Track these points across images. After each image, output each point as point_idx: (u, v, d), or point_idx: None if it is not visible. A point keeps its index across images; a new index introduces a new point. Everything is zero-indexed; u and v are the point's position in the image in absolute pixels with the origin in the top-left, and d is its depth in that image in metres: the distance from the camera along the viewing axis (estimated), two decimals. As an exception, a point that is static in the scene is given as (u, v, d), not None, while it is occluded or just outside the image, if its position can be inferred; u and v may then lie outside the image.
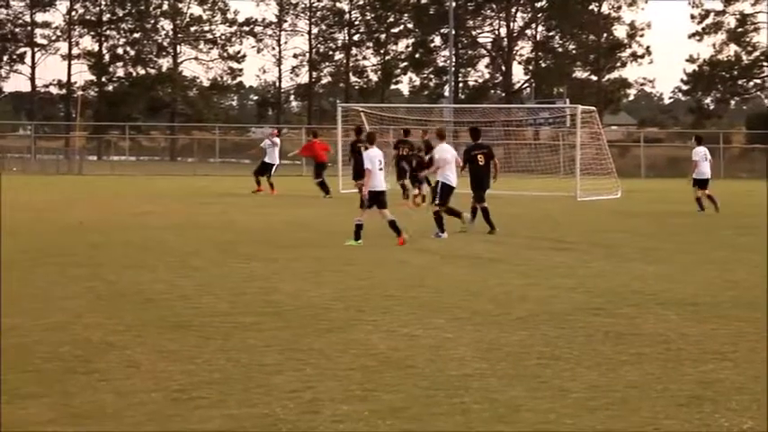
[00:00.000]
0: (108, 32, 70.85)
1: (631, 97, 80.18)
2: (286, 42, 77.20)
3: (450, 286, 9.67)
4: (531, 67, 69.38)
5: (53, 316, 7.82)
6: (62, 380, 5.82)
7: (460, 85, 69.10)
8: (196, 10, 71.40)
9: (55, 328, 7.32)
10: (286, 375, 5.96)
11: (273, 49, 71.32)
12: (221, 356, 6.45)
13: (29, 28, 69.82)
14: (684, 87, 68.03)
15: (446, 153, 15.11)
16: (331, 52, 71.98)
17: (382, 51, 71.24)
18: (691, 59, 65.37)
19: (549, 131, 49.47)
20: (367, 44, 71.49)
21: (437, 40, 69.79)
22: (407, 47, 71.04)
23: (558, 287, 9.68)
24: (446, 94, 63.13)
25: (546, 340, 7.09)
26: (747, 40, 64.34)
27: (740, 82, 65.41)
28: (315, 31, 71.05)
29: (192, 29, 71.47)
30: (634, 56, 66.66)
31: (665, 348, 6.88)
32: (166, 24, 71.46)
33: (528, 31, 69.98)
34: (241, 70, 72.52)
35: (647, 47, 66.43)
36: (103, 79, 70.83)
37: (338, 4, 70.59)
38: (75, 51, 70.18)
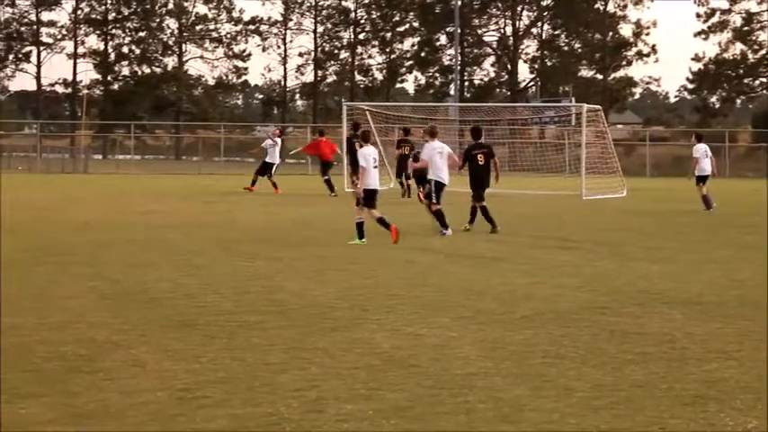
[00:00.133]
0: (113, 31, 71.01)
1: (637, 96, 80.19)
2: (291, 41, 77.49)
3: (455, 285, 9.66)
4: (536, 66, 69.35)
5: (55, 315, 7.82)
6: (64, 379, 5.81)
7: (466, 83, 69.09)
8: (201, 9, 71.60)
9: (57, 328, 7.32)
10: (290, 374, 5.96)
11: (279, 47, 71.48)
12: (226, 355, 6.45)
13: (34, 27, 69.99)
14: (690, 86, 68.04)
15: (434, 151, 15.11)
16: (336, 51, 72.05)
17: (388, 50, 71.27)
18: (696, 58, 65.35)
19: (554, 130, 49.43)
20: (372, 43, 71.54)
21: (443, 39, 69.86)
22: (413, 45, 71.13)
23: (563, 286, 9.66)
24: (451, 92, 63.18)
25: (551, 339, 7.08)
26: (753, 38, 64.26)
27: (746, 81, 65.33)
28: (320, 29, 71.13)
29: (198, 27, 71.59)
30: (640, 54, 66.63)
31: (670, 347, 6.86)
32: (172, 23, 71.64)
33: (534, 30, 69.99)
34: (246, 69, 72.74)
35: (653, 45, 66.46)
36: (109, 78, 70.99)
37: (344, 3, 70.70)
38: (80, 50, 70.45)
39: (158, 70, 71.24)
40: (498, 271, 10.88)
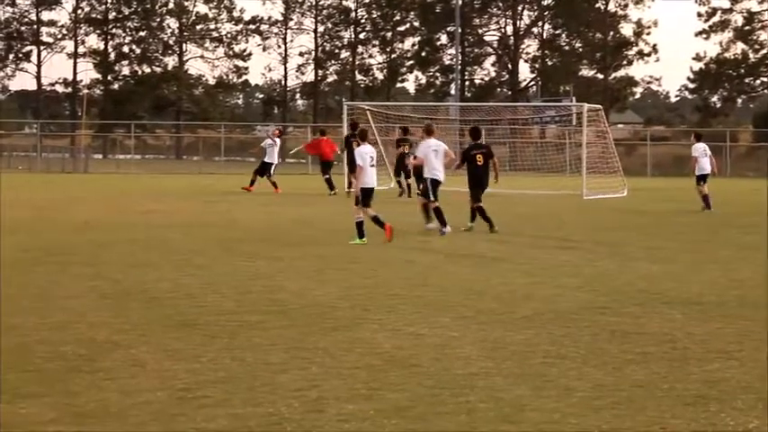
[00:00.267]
0: (114, 31, 71.02)
1: (638, 95, 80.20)
2: (292, 40, 77.58)
3: (455, 285, 9.66)
4: (537, 66, 69.35)
5: (56, 315, 7.81)
6: (64, 379, 5.81)
7: (466, 83, 69.10)
8: (202, 8, 71.62)
9: (58, 328, 7.31)
10: (291, 374, 5.95)
11: (279, 47, 71.47)
12: (226, 355, 6.45)
13: (35, 26, 69.99)
14: (691, 85, 68.03)
15: (429, 149, 15.14)
16: (337, 50, 72.05)
17: (388, 49, 71.27)
18: (697, 57, 65.36)
19: (555, 130, 49.43)
20: (373, 42, 71.54)
21: (443, 39, 69.85)
22: (413, 45, 71.12)
23: (564, 286, 9.66)
24: (452, 92, 63.15)
25: (551, 339, 7.08)
26: (754, 38, 64.27)
27: (747, 80, 65.33)
28: (321, 29, 71.14)
29: (198, 27, 71.60)
30: (640, 54, 66.63)
31: (671, 347, 6.86)
32: (172, 23, 71.66)
33: (534, 29, 69.98)
34: (247, 68, 72.86)
35: (654, 45, 66.47)
36: (109, 78, 71.01)
37: (344, 3, 70.72)
38: (80, 50, 70.46)
39: (159, 70, 71.25)
40: (499, 271, 10.87)
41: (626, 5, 66.73)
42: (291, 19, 71.25)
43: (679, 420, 5.11)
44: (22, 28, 70.07)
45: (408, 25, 71.28)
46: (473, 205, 15.61)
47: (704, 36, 64.44)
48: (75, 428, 4.89)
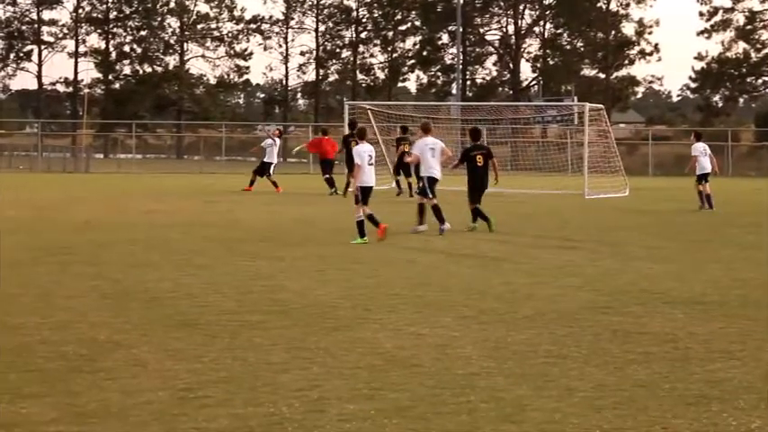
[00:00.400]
0: (115, 30, 71.07)
1: (639, 95, 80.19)
2: (293, 40, 77.36)
3: (457, 285, 9.65)
4: (538, 65, 69.35)
5: (57, 315, 7.80)
6: (66, 379, 5.80)
7: (468, 82, 69.09)
8: (203, 7, 71.82)
9: (59, 327, 7.31)
10: (292, 374, 5.95)
11: (280, 46, 71.48)
12: (228, 355, 6.44)
13: (36, 26, 70.03)
14: (693, 85, 68.00)
15: (426, 147, 15.15)
16: (338, 50, 72.07)
17: (389, 49, 71.27)
18: (699, 57, 65.34)
19: (556, 129, 49.41)
20: (374, 42, 71.55)
21: (444, 38, 69.85)
22: (415, 44, 71.14)
23: (565, 286, 9.65)
24: (453, 91, 63.13)
25: (553, 339, 7.07)
26: (756, 37, 64.24)
27: (749, 79, 65.30)
28: (322, 28, 71.16)
29: (199, 26, 71.64)
30: (642, 53, 66.61)
31: (673, 347, 6.85)
32: (173, 22, 71.70)
33: (536, 29, 69.99)
34: (248, 68, 73.01)
35: (656, 44, 66.49)
36: (110, 77, 71.05)
37: (345, 2, 70.75)
38: (81, 49, 70.51)
39: (160, 69, 71.29)
40: (500, 270, 10.86)
41: (628, 5, 66.74)
42: (292, 18, 71.30)
43: (681, 420, 5.10)
44: (23, 27, 70.12)
45: (409, 24, 71.32)
46: (470, 207, 15.62)
47: (706, 35, 64.44)
48: (76, 428, 4.89)
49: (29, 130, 59.32)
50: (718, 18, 63.94)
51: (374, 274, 10.33)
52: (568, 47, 69.08)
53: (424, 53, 70.06)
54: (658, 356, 6.55)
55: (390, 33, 71.03)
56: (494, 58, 70.83)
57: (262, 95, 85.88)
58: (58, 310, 8.00)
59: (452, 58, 66.80)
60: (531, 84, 70.26)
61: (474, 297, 8.89)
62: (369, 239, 13.28)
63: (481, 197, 15.69)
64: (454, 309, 8.26)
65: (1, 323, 7.44)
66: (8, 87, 75.73)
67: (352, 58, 71.44)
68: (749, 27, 63.82)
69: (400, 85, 75.55)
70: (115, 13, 70.70)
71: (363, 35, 71.49)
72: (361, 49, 71.52)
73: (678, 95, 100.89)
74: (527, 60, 70.02)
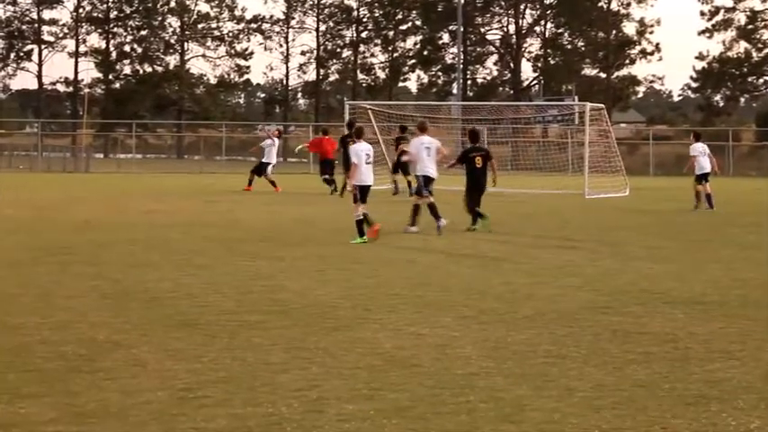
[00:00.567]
0: (115, 30, 71.09)
1: (640, 95, 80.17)
2: (294, 39, 77.31)
3: (457, 285, 9.65)
4: (539, 65, 69.33)
5: (56, 315, 7.80)
6: (65, 379, 5.80)
7: (469, 82, 69.10)
8: (203, 7, 71.84)
9: (58, 327, 7.31)
10: (291, 374, 5.94)
11: (281, 46, 71.48)
12: (227, 355, 6.44)
13: (36, 25, 70.03)
14: (694, 84, 67.99)
15: (421, 146, 15.17)
16: (339, 49, 72.08)
17: (390, 48, 71.27)
18: (700, 56, 65.32)
19: (557, 129, 49.39)
20: (375, 41, 71.56)
21: (445, 37, 69.84)
22: (415, 44, 71.14)
23: (565, 286, 9.65)
24: (454, 91, 63.11)
25: (552, 339, 7.06)
26: (757, 36, 64.21)
27: (750, 79, 65.27)
28: (323, 28, 71.17)
29: (200, 26, 71.65)
30: (643, 53, 66.59)
31: (673, 347, 6.84)
32: (174, 21, 71.71)
33: (537, 28, 69.98)
34: (248, 68, 72.95)
35: (657, 44, 66.44)
36: (110, 77, 71.07)
37: (346, 1, 70.75)
38: (82, 49, 70.53)
39: (160, 69, 71.30)
40: (500, 270, 10.86)
41: (629, 4, 66.72)
42: (293, 18, 71.31)
43: (680, 420, 5.09)
44: (24, 27, 70.14)
45: (410, 24, 71.32)
46: (467, 209, 15.63)
47: (707, 35, 64.41)
48: (75, 428, 4.89)
49: (29, 130, 59.32)
50: (719, 17, 63.93)
51: (374, 274, 10.33)
52: (569, 46, 69.07)
53: (425, 53, 70.06)
54: (658, 356, 6.54)
55: (391, 33, 71.03)
56: (494, 57, 70.84)
57: (262, 95, 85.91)
58: (57, 310, 7.99)
59: (453, 58, 66.80)
60: (532, 83, 70.26)
61: (474, 297, 8.89)
62: (372, 240, 13.27)
63: (480, 199, 15.69)
64: (454, 309, 8.26)
65: (0, 323, 7.44)
66: (8, 87, 75.83)
67: (352, 58, 71.44)
68: (750, 27, 63.80)
69: (401, 84, 75.60)
70: (116, 12, 70.72)
71: (364, 35, 71.50)
72: (362, 48, 71.53)
73: (679, 95, 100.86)
74: (528, 60, 70.08)
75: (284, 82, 72.50)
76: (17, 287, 9.16)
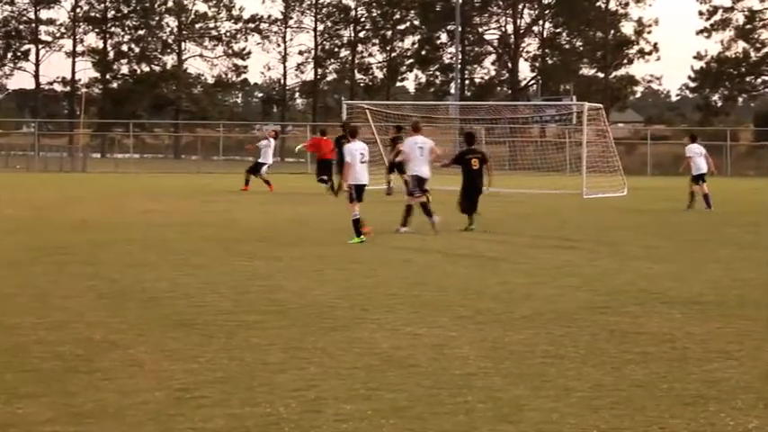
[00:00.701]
0: (112, 29, 71.04)
1: (638, 94, 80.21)
2: (291, 39, 77.42)
3: (454, 285, 9.64)
4: (537, 64, 69.34)
5: (54, 315, 7.79)
6: (62, 379, 5.79)
7: (466, 82, 69.10)
8: (201, 7, 71.97)
9: (55, 327, 7.29)
10: (289, 374, 5.93)
11: (279, 45, 71.43)
12: (224, 355, 6.43)
13: (33, 25, 69.96)
14: (692, 84, 68.03)
15: (415, 145, 15.16)
16: (336, 49, 72.06)
17: (388, 48, 71.26)
18: (698, 56, 65.33)
19: (555, 129, 49.43)
20: (373, 41, 71.55)
21: (443, 37, 69.87)
22: (413, 44, 71.14)
23: (563, 285, 9.64)
24: (452, 91, 63.10)
25: (550, 339, 7.06)
26: (756, 36, 64.25)
27: (748, 79, 65.32)
28: (320, 27, 71.14)
29: (197, 26, 71.60)
30: (641, 53, 66.63)
31: (671, 347, 6.84)
32: (171, 21, 71.67)
33: (535, 28, 69.98)
34: (246, 67, 72.93)
35: (655, 43, 66.49)
36: (108, 76, 71.02)
37: (344, 1, 70.65)
38: (79, 48, 70.47)
39: (157, 69, 71.26)
40: (498, 270, 10.85)
41: (627, 4, 66.75)
42: (291, 17, 71.28)
43: (678, 420, 5.08)
44: (21, 26, 70.08)
45: (408, 24, 71.31)
46: (460, 209, 15.64)
47: (705, 35, 64.45)
48: (72, 428, 4.87)
49: (26, 130, 59.24)
50: (717, 17, 63.97)
51: (372, 274, 10.32)
52: (567, 46, 69.09)
53: (423, 52, 70.05)
54: (656, 356, 6.54)
55: (389, 33, 71.03)
56: (492, 57, 70.85)
57: (260, 95, 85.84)
58: (54, 310, 7.98)
59: (451, 58, 66.80)
60: (530, 83, 70.28)
61: (471, 297, 8.88)
62: (370, 240, 13.26)
63: (477, 201, 15.69)
64: (451, 309, 8.25)
65: (-3, 323, 7.43)
66: (5, 87, 75.73)
67: (350, 58, 71.43)
68: (749, 26, 63.84)
69: (399, 84, 75.60)
70: (113, 12, 70.66)
71: (362, 34, 71.49)
72: (360, 48, 71.52)
73: (677, 95, 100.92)
74: (526, 60, 70.09)
75: (282, 82, 72.51)
76: (13, 287, 9.15)
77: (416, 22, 70.77)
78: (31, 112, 70.82)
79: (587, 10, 67.35)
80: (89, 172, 41.46)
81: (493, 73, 70.82)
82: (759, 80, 65.65)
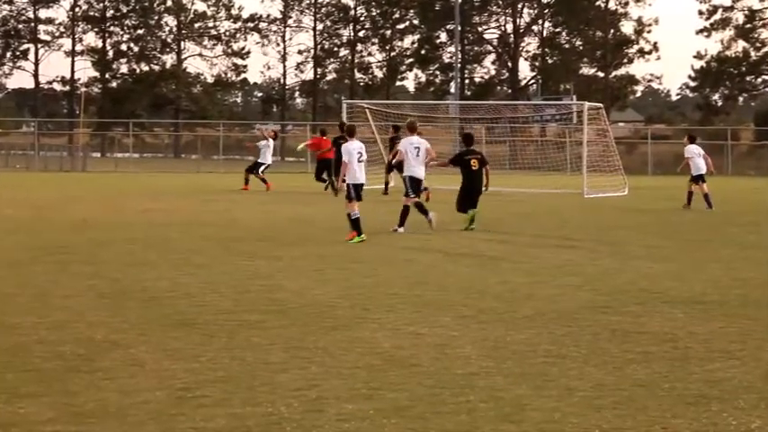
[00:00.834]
0: (112, 29, 71.04)
1: (638, 94, 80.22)
2: (291, 38, 77.43)
3: (455, 284, 9.63)
4: (537, 64, 69.34)
5: (54, 314, 7.77)
6: (63, 379, 5.78)
7: (466, 81, 69.10)
8: (200, 6, 72.03)
9: (56, 327, 7.28)
10: (291, 374, 5.92)
11: (278, 45, 71.43)
12: (225, 355, 6.42)
13: (32, 24, 69.94)
14: (692, 84, 68.05)
15: (410, 146, 15.13)
16: (336, 48, 72.07)
17: (387, 47, 71.26)
18: (698, 56, 65.35)
19: (555, 128, 49.41)
20: (372, 40, 71.56)
21: (443, 37, 69.87)
22: (413, 43, 71.15)
23: (565, 285, 9.63)
24: (452, 90, 63.10)
25: (552, 338, 7.05)
26: (756, 36, 64.24)
27: (748, 78, 65.30)
28: (320, 27, 71.14)
29: (196, 25, 71.59)
30: (641, 52, 66.62)
31: (672, 347, 6.83)
32: (170, 20, 71.68)
33: (534, 27, 69.97)
34: (245, 67, 72.94)
35: (655, 43, 66.49)
36: (107, 76, 71.02)
37: (343, 0, 70.57)
38: (78, 48, 70.45)
39: (157, 68, 71.26)
40: (499, 270, 10.84)
41: (626, 3, 66.74)
42: (290, 17, 71.29)
43: (680, 420, 5.07)
44: (20, 26, 70.07)
45: (408, 23, 71.30)
46: (458, 209, 15.62)
47: (705, 34, 64.44)
48: (73, 428, 4.86)
49: (25, 129, 59.24)
50: (717, 17, 63.96)
51: (372, 274, 10.31)
52: (567, 45, 69.08)
53: (423, 52, 70.04)
54: (658, 356, 6.53)
55: (388, 32, 71.02)
56: (492, 56, 70.85)
57: (259, 94, 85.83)
58: (55, 310, 7.97)
59: (451, 57, 66.79)
60: (530, 82, 70.25)
61: (473, 296, 8.87)
62: (370, 240, 13.25)
63: (477, 201, 15.67)
64: (453, 308, 8.24)
65: (-2, 323, 7.42)
66: (5, 86, 75.78)
67: (350, 57, 71.42)
68: (748, 26, 63.83)
69: (398, 83, 75.62)
70: (112, 11, 70.65)
71: (361, 34, 71.48)
72: (360, 47, 71.52)
73: (677, 94, 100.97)
74: (526, 59, 70.08)
75: (281, 81, 72.50)
76: (14, 287, 9.13)
77: (416, 22, 70.77)
78: (31, 111, 70.82)
79: (587, 9, 67.34)
80: (89, 171, 41.44)
81: (493, 72, 70.88)
82: (759, 79, 65.65)
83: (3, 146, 50.42)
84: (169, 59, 71.72)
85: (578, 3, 66.36)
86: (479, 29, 70.19)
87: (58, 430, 4.83)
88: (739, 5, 63.66)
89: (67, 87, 71.07)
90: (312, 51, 70.90)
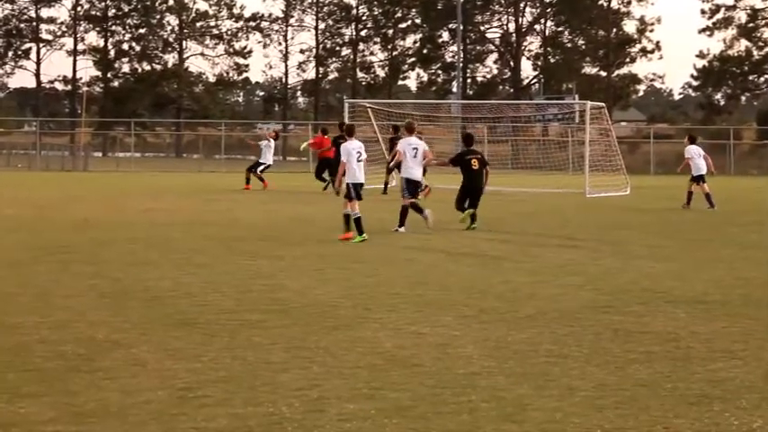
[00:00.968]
0: (113, 28, 71.03)
1: (641, 93, 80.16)
2: (293, 38, 77.47)
3: (457, 284, 9.62)
4: (539, 63, 69.30)
5: (56, 314, 7.77)
6: (64, 378, 5.77)
7: (468, 80, 69.06)
8: (202, 5, 71.75)
9: (57, 327, 7.27)
10: (292, 373, 5.92)
11: (280, 44, 71.43)
12: (227, 354, 6.41)
13: (34, 23, 69.95)
14: (695, 83, 68.01)
15: (408, 147, 15.10)
16: (338, 48, 72.04)
17: (390, 47, 71.23)
18: (701, 55, 65.32)
19: (557, 128, 49.39)
20: (374, 39, 71.54)
21: (445, 36, 69.83)
22: (415, 42, 71.11)
23: (567, 285, 9.62)
24: (454, 89, 63.08)
25: (554, 338, 7.04)
26: (758, 35, 64.19)
27: (751, 77, 65.24)
28: (322, 26, 71.15)
29: (198, 24, 71.60)
30: (644, 51, 66.58)
31: (675, 346, 6.82)
32: (172, 20, 71.67)
33: (537, 27, 69.93)
34: (247, 66, 72.74)
35: (657, 42, 66.41)
36: (109, 75, 71.02)
37: (345, -1, 70.56)
38: (80, 47, 70.47)
39: (159, 67, 71.25)
40: (501, 269, 10.83)
41: (629, 2, 66.69)
42: (292, 16, 71.27)
43: (682, 420, 5.07)
44: (22, 25, 70.06)
45: (410, 22, 71.26)
46: (457, 208, 15.61)
47: (708, 33, 64.40)
48: (74, 428, 4.86)
49: (27, 129, 59.26)
50: (719, 16, 63.93)
51: (374, 273, 10.30)
52: (569, 45, 69.03)
53: (425, 51, 70.03)
54: (660, 356, 6.52)
55: (390, 31, 70.99)
56: (494, 56, 70.81)
57: (261, 93, 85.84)
58: (56, 310, 7.97)
59: (453, 56, 66.76)
60: (532, 82, 70.23)
61: (474, 296, 8.86)
62: (372, 239, 13.24)
63: (478, 201, 15.66)
64: (455, 308, 8.23)
65: (-1, 322, 7.42)
66: (6, 85, 75.78)
67: (352, 56, 71.39)
68: (751, 25, 63.78)
69: (400, 83, 75.58)
70: (114, 10, 70.64)
71: (363, 33, 71.45)
72: (362, 46, 71.49)
73: (680, 93, 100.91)
74: (528, 58, 70.04)
75: (283, 80, 72.48)
76: (16, 286, 9.13)
77: (418, 21, 70.74)
78: (33, 110, 70.83)
79: (589, 8, 67.30)
80: (91, 171, 41.45)
81: (495, 71, 70.84)
82: (762, 79, 65.61)
83: (4, 145, 50.44)
84: (171, 59, 71.79)
85: (581, 2, 66.34)
86: (481, 28, 70.17)
87: (59, 430, 4.83)
88: (742, 4, 63.66)
89: (69, 87, 71.09)
90: (314, 50, 70.91)
